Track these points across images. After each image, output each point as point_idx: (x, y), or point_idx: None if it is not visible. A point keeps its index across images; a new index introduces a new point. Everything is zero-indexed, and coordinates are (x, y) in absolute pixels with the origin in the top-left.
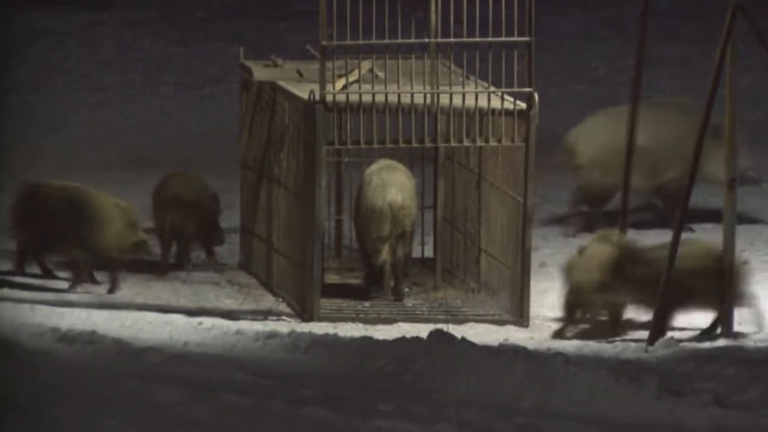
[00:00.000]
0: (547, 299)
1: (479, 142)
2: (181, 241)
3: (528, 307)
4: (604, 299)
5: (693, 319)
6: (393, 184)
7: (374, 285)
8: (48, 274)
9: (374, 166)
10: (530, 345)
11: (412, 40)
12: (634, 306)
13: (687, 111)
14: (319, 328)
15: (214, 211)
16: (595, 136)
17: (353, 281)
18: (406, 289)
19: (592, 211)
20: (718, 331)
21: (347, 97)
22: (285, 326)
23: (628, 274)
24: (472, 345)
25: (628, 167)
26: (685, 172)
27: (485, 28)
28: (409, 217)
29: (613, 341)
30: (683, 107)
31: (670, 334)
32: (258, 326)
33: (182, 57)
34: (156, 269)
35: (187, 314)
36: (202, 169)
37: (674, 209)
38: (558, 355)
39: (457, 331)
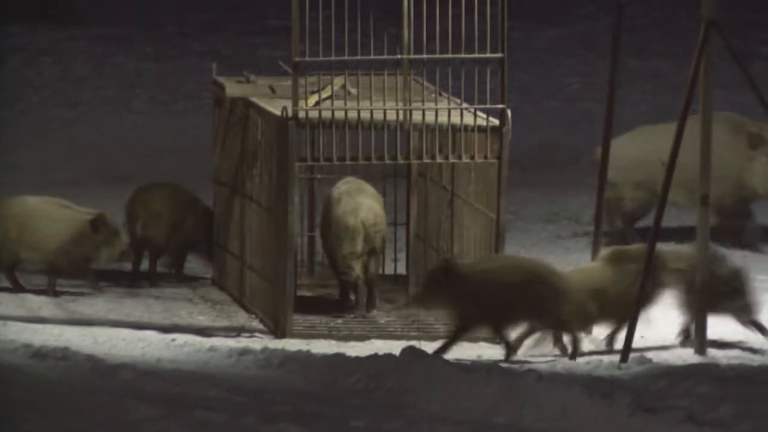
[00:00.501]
0: None
1: (452, 159)
2: (151, 254)
3: None
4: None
5: (665, 336)
6: (363, 203)
7: (348, 300)
8: (18, 289)
9: (341, 186)
10: (503, 362)
11: (385, 56)
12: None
13: (735, 126)
14: (292, 344)
15: (183, 223)
16: (626, 152)
17: (326, 296)
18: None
19: (625, 228)
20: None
21: (320, 113)
22: (258, 343)
23: (452, 291)
24: (445, 362)
25: (667, 181)
26: (729, 188)
27: (458, 44)
28: (380, 233)
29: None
30: (732, 122)
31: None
32: (231, 343)
33: (156, 72)
34: (129, 283)
35: (161, 330)
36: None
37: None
38: (531, 371)
39: (430, 347)
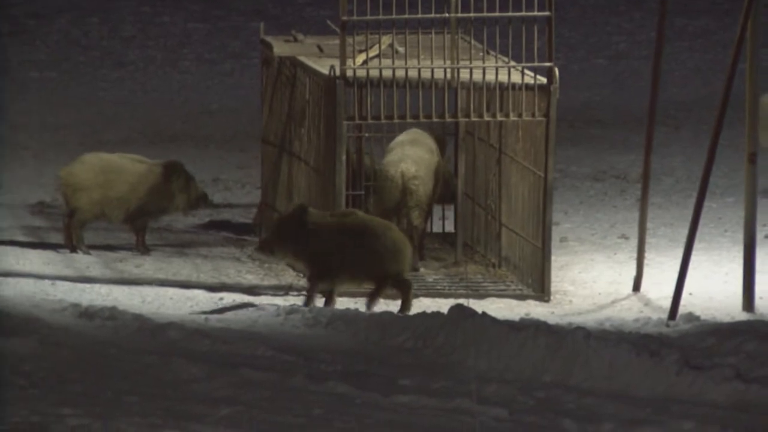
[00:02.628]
0: (568, 274)
1: (499, 117)
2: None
3: (549, 281)
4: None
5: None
6: (410, 155)
7: None
8: (72, 249)
9: (401, 136)
10: (551, 320)
11: (433, 15)
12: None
13: None
14: (340, 303)
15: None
16: None
17: None
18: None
19: None
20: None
21: (367, 72)
22: None
23: (299, 240)
24: (493, 320)
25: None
26: None
27: (505, 3)
28: (423, 186)
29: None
30: None
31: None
32: (279, 301)
33: (203, 32)
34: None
35: (208, 290)
36: (223, 143)
37: None
38: (579, 329)
39: (478, 306)
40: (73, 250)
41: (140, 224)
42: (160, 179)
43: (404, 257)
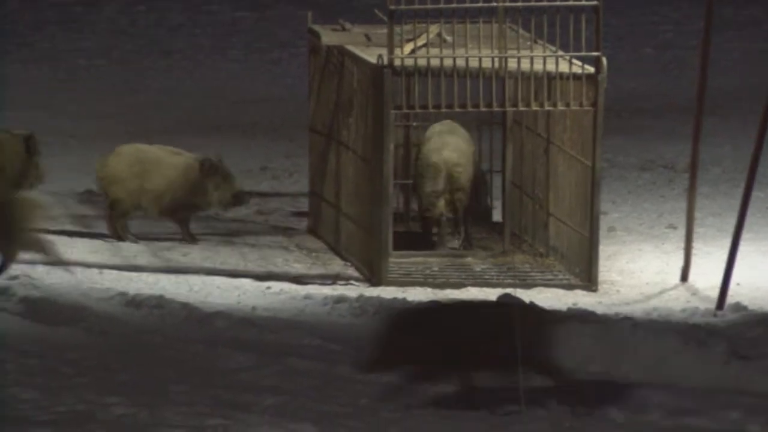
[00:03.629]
0: (616, 264)
1: (547, 107)
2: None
3: (596, 271)
4: None
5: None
6: (450, 143)
7: (431, 237)
8: (119, 239)
9: (436, 126)
10: (598, 309)
11: (480, 5)
12: None
13: None
14: (387, 292)
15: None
16: None
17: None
18: (456, 241)
19: None
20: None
21: (415, 61)
22: (353, 291)
23: None
24: (541, 309)
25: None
26: None
27: None
28: (465, 173)
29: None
30: None
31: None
32: (326, 291)
33: (251, 21)
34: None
35: (256, 279)
36: (271, 132)
37: None
38: (626, 319)
39: (526, 295)
40: (120, 239)
41: (179, 217)
42: (196, 174)
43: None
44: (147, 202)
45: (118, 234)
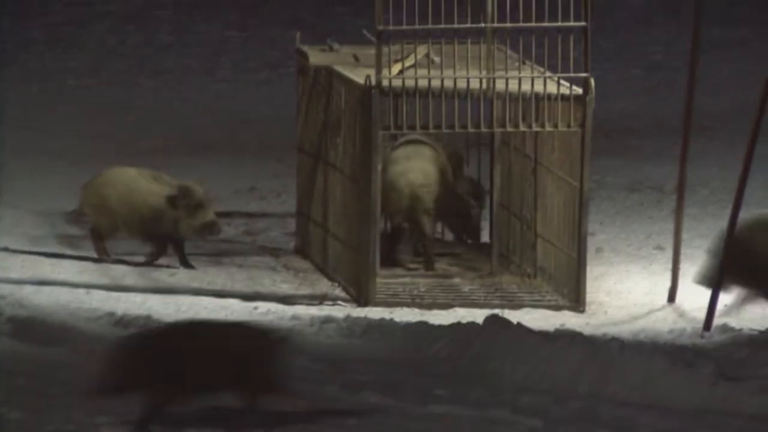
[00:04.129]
0: (604, 284)
1: (535, 127)
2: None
3: (584, 292)
4: None
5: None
6: (415, 166)
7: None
8: (105, 260)
9: (401, 148)
10: (586, 330)
11: (468, 25)
12: None
13: None
14: (374, 312)
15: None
16: None
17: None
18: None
19: None
20: None
21: (403, 81)
22: (341, 311)
23: None
24: (528, 330)
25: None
26: None
27: (541, 13)
28: (431, 194)
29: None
30: None
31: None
32: (314, 311)
33: (240, 41)
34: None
35: (243, 299)
36: (259, 152)
37: None
38: (614, 340)
39: (513, 316)
40: (104, 260)
41: (158, 243)
42: (162, 204)
43: None
44: (121, 227)
45: (102, 255)
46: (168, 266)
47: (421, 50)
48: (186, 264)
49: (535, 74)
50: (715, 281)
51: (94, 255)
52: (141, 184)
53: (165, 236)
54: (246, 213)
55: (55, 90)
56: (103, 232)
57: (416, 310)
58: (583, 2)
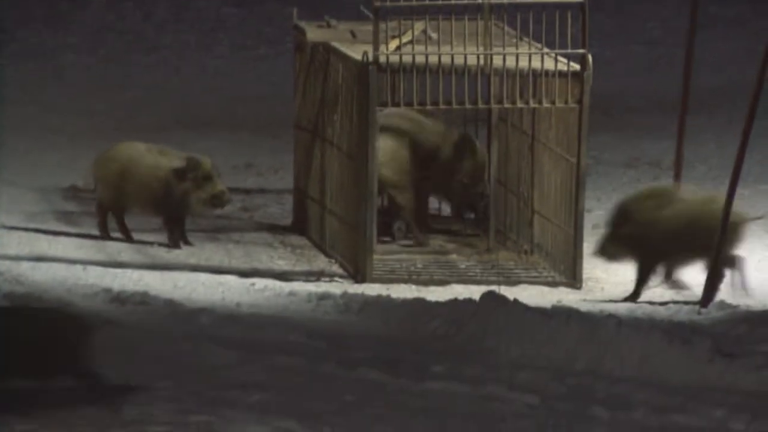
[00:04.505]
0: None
1: (533, 104)
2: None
3: (581, 269)
4: None
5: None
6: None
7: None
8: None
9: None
10: (583, 307)
11: (466, 2)
12: None
13: None
14: (371, 289)
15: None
16: None
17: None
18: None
19: None
20: None
21: (400, 58)
22: (338, 287)
23: None
24: (525, 307)
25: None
26: None
27: None
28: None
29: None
30: None
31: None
32: (311, 287)
33: (237, 18)
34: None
35: (240, 275)
36: (257, 129)
37: None
38: (611, 317)
39: (510, 292)
40: (104, 237)
41: (172, 220)
42: (171, 177)
43: None
44: (128, 202)
45: (104, 232)
46: (166, 245)
47: (419, 26)
48: (184, 240)
49: (533, 50)
50: (611, 252)
51: (92, 231)
52: (150, 158)
53: (175, 210)
54: (243, 189)
55: (53, 67)
56: (112, 207)
57: (413, 287)
58: None
